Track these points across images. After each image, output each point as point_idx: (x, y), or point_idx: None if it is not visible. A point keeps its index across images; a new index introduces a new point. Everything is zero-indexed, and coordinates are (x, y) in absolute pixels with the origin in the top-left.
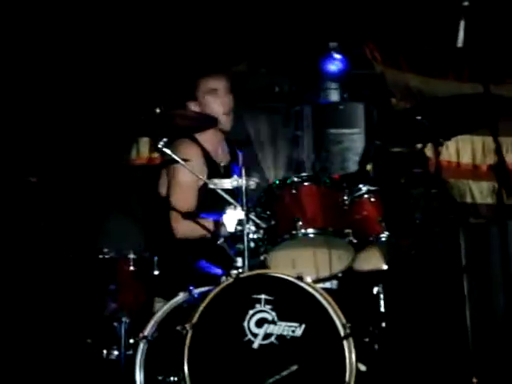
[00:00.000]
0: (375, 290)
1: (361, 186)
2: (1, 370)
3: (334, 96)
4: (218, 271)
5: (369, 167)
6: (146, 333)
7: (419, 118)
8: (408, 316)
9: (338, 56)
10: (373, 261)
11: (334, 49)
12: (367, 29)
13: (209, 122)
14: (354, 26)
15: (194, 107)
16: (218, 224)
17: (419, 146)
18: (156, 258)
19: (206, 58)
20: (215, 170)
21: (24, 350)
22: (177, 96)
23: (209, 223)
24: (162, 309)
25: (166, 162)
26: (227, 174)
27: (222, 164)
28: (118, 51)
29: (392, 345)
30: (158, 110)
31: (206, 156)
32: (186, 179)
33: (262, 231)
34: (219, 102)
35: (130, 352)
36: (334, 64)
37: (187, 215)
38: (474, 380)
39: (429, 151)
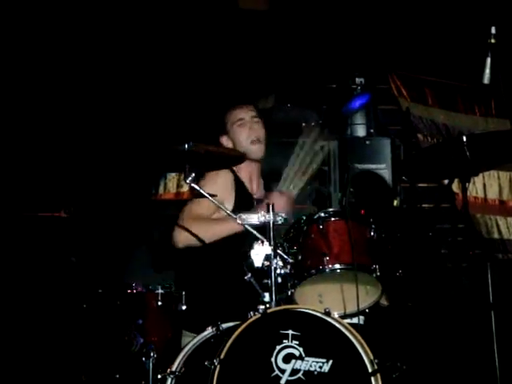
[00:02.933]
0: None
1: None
2: None
3: (361, 131)
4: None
5: (395, 202)
6: (173, 368)
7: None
8: (436, 352)
9: (363, 91)
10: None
11: (359, 84)
12: (393, 63)
13: (236, 159)
14: (380, 60)
15: (225, 141)
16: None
17: (446, 181)
18: (183, 293)
19: (235, 93)
20: (248, 201)
21: None
22: (210, 131)
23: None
24: (190, 343)
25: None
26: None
27: (255, 197)
28: (151, 85)
29: (420, 381)
30: (186, 146)
31: (240, 186)
32: (204, 205)
33: (289, 266)
34: (246, 130)
35: None
36: (361, 99)
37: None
38: None
39: (456, 187)
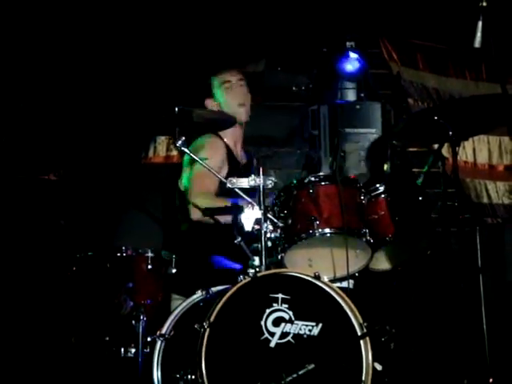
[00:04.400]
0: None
1: (377, 185)
2: (17, 367)
3: (351, 95)
4: (237, 266)
5: (386, 167)
6: (163, 331)
7: (436, 118)
8: (424, 316)
9: (354, 55)
10: (389, 260)
11: (350, 48)
12: (384, 27)
13: (228, 121)
14: (371, 24)
15: (211, 104)
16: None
17: (436, 145)
18: (174, 256)
19: (224, 56)
20: (236, 167)
21: (41, 347)
22: (195, 94)
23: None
24: (180, 307)
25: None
26: (246, 173)
27: (243, 162)
28: (138, 50)
29: (408, 344)
30: (177, 109)
31: (229, 152)
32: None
33: (279, 230)
34: (233, 93)
35: (148, 350)
36: (351, 63)
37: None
38: (490, 380)
39: (445, 151)
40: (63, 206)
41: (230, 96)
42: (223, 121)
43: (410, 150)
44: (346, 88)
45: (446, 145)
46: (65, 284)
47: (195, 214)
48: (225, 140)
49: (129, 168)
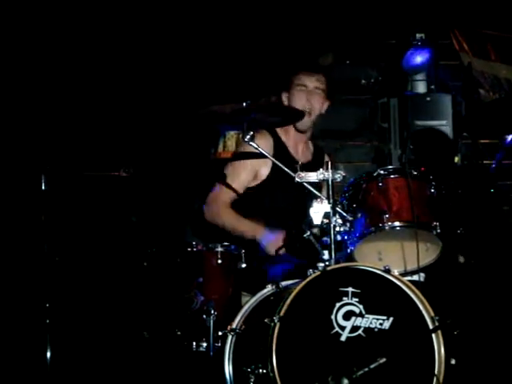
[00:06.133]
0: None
1: (448, 177)
2: (92, 361)
3: (421, 87)
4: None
5: (456, 159)
6: (234, 325)
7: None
8: (498, 310)
9: (424, 47)
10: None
11: (420, 39)
12: (454, 18)
13: (294, 116)
14: (441, 15)
15: (284, 97)
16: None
17: (508, 136)
18: (243, 251)
19: (296, 51)
20: (289, 164)
21: (115, 342)
22: (272, 86)
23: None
24: (250, 301)
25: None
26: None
27: (300, 162)
28: (212, 46)
29: (482, 338)
30: (244, 104)
31: (283, 150)
32: (242, 168)
33: (348, 224)
34: (304, 99)
35: (219, 344)
36: (420, 55)
37: None
38: None
39: None
40: (134, 203)
41: (301, 99)
42: (288, 115)
43: (482, 141)
44: (416, 80)
45: None
46: (136, 279)
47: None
48: (283, 140)
49: (198, 164)
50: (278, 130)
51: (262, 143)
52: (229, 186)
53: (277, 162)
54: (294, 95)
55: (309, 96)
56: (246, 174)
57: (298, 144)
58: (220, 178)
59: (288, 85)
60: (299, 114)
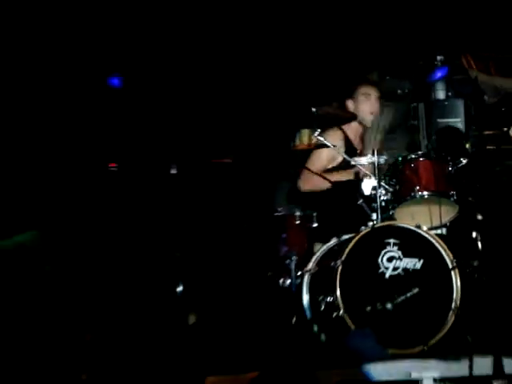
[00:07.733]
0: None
1: (462, 159)
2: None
3: (441, 95)
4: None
5: (467, 146)
6: (308, 267)
7: (503, 108)
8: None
9: (443, 66)
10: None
11: (440, 60)
12: (464, 44)
13: (348, 118)
14: (455, 43)
15: (350, 104)
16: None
17: (505, 129)
18: (315, 214)
19: (351, 69)
20: (352, 152)
21: (226, 280)
22: (339, 95)
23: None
24: (320, 250)
25: (319, 146)
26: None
27: (358, 150)
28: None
29: (488, 275)
30: (314, 109)
31: (347, 141)
32: (322, 154)
33: (390, 194)
34: (369, 104)
35: (298, 281)
36: (441, 71)
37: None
38: None
39: None
40: (237, 184)
41: (366, 105)
42: (344, 118)
43: (486, 133)
44: (438, 89)
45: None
46: (240, 238)
47: (304, 188)
48: (347, 133)
49: (281, 153)
50: (344, 126)
51: (336, 137)
52: (314, 166)
53: (339, 151)
54: (360, 101)
55: (372, 102)
56: (323, 159)
57: (356, 136)
58: (306, 162)
59: (352, 94)
60: (352, 117)
